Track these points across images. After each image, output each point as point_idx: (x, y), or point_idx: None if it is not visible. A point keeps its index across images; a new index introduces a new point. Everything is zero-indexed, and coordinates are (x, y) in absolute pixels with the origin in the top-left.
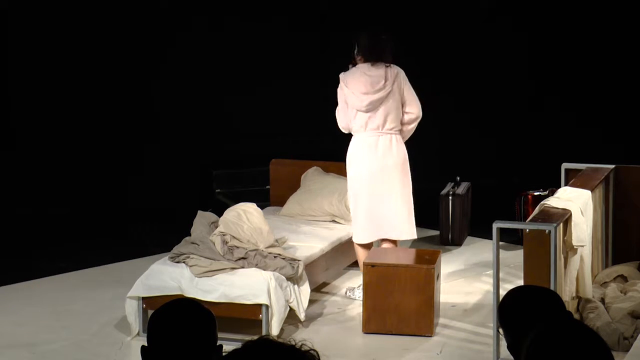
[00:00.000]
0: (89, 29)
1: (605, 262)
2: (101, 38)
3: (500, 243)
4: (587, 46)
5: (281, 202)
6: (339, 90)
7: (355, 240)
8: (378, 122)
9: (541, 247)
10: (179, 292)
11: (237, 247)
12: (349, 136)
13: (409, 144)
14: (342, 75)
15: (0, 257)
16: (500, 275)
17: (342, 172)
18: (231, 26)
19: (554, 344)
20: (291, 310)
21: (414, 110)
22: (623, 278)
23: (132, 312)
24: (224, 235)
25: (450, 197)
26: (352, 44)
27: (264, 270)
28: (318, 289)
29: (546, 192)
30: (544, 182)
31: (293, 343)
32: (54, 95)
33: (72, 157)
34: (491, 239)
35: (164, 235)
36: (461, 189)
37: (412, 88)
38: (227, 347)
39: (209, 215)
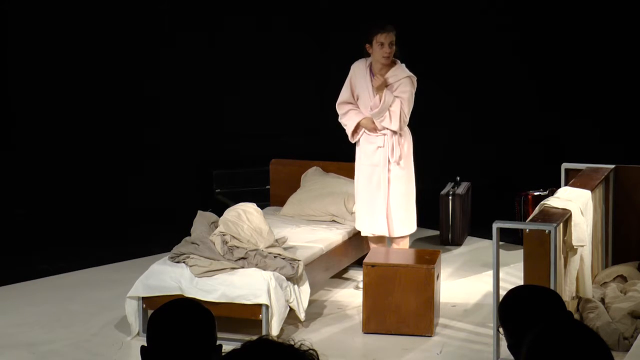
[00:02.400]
0: (87, 29)
1: (605, 262)
2: (100, 38)
3: (500, 243)
4: (588, 46)
5: (281, 202)
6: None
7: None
8: None
9: (541, 247)
10: (178, 292)
11: (237, 247)
12: (346, 135)
13: (414, 142)
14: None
15: (0, 257)
16: (500, 275)
17: (342, 172)
18: (231, 26)
19: (553, 344)
20: (291, 310)
21: None
22: (623, 278)
23: (132, 312)
24: (224, 235)
25: (450, 197)
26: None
27: (264, 270)
28: (318, 288)
29: (546, 192)
30: (544, 182)
31: (292, 343)
32: (53, 96)
33: (71, 157)
34: (491, 239)
35: (164, 235)
36: (461, 189)
37: None
38: (227, 347)
39: (209, 215)
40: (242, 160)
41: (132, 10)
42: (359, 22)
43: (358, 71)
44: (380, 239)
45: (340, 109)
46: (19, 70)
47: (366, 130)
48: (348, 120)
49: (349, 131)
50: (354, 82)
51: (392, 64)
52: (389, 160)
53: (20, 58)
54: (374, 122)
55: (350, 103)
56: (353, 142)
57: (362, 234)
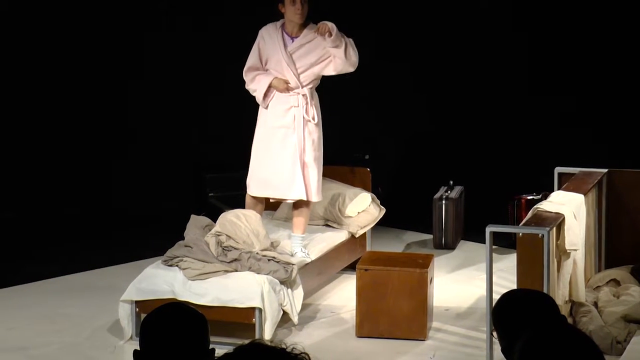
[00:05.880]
0: (79, 30)
1: (598, 266)
2: (94, 37)
3: (494, 247)
4: (582, 50)
5: (274, 207)
6: None
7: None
8: None
9: (534, 251)
10: (172, 296)
11: (232, 249)
12: (340, 136)
13: (408, 146)
14: None
15: None
16: (494, 279)
17: (336, 176)
18: (229, 25)
19: (545, 348)
20: (284, 314)
21: None
22: (616, 282)
23: (125, 316)
24: (219, 235)
25: (443, 201)
26: None
27: (258, 273)
28: (311, 292)
29: (539, 196)
30: (537, 186)
31: (284, 347)
32: (45, 96)
33: (64, 161)
34: (484, 243)
35: (158, 239)
36: (454, 192)
37: None
38: (220, 351)
39: (202, 219)
40: (235, 164)
41: (129, 9)
42: (359, 21)
43: (267, 35)
44: (259, 201)
45: (247, 76)
46: (9, 71)
47: (277, 92)
48: (257, 84)
49: (259, 95)
50: (263, 46)
51: (306, 25)
52: (303, 121)
53: (8, 60)
54: (285, 83)
55: (257, 69)
56: (265, 106)
57: (254, 195)
